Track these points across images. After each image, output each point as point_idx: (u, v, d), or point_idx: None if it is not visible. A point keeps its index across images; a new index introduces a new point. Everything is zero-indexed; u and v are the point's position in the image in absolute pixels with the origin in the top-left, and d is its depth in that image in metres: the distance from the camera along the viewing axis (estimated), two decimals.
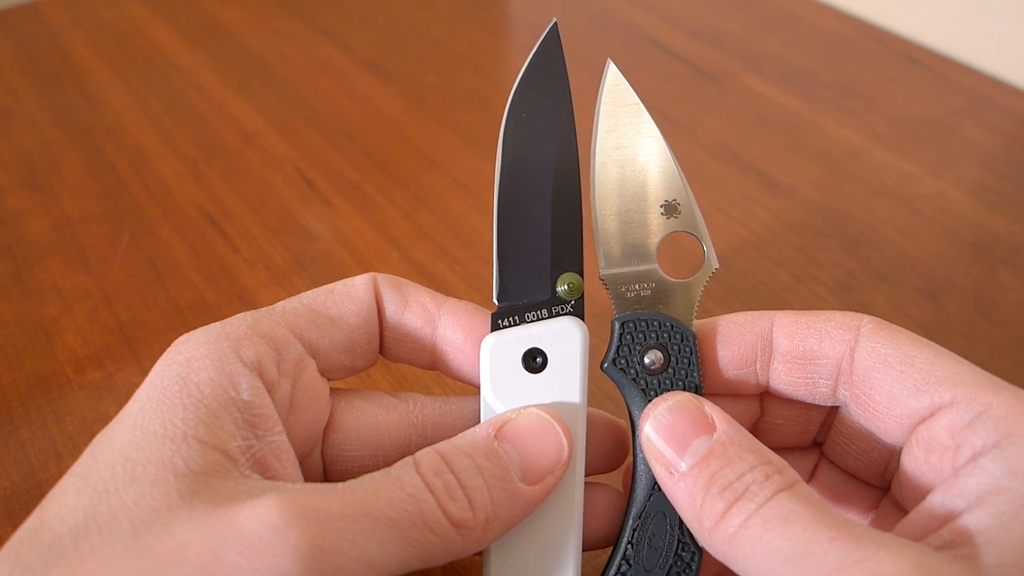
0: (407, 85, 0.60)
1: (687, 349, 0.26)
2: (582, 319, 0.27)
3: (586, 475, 0.26)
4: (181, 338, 0.24)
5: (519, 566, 0.26)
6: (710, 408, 0.24)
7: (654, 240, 0.27)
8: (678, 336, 0.26)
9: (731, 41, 0.64)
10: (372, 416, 0.27)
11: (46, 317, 0.43)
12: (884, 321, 0.25)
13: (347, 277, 0.28)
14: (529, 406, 0.26)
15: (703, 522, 0.22)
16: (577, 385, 0.26)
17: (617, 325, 0.26)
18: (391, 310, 0.27)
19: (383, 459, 0.27)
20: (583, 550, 0.26)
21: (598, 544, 0.27)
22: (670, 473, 0.23)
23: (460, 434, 0.25)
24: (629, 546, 0.25)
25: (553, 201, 0.27)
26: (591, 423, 0.27)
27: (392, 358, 0.28)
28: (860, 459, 0.27)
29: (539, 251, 0.27)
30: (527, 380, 0.26)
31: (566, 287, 0.27)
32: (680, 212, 0.27)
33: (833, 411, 0.28)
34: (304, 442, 0.25)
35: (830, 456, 0.28)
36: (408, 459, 0.23)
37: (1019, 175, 0.51)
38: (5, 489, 0.35)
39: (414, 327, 0.27)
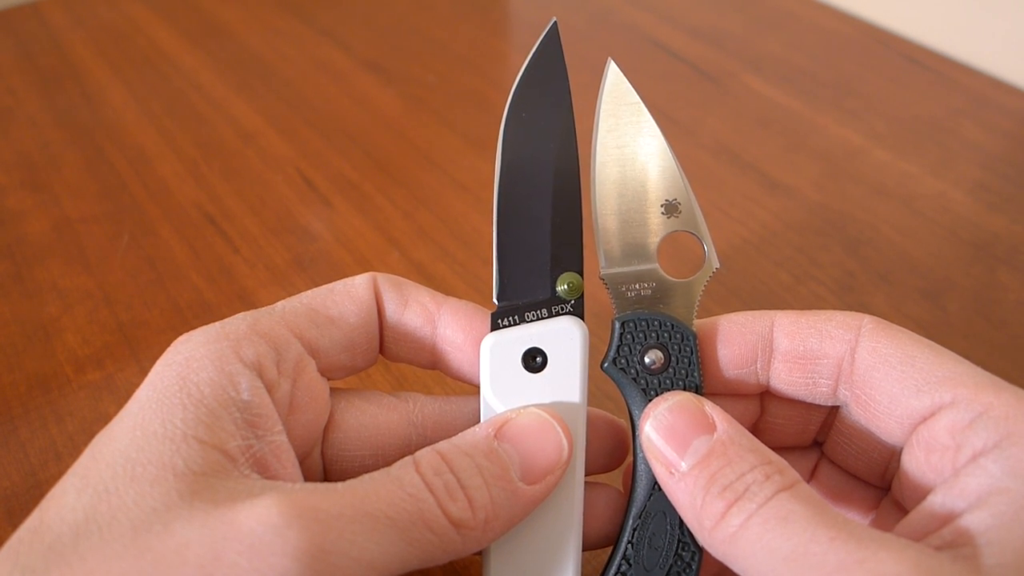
0: (407, 85, 0.60)
1: (687, 349, 0.26)
2: (582, 319, 0.27)
3: (586, 475, 0.26)
4: (181, 338, 0.24)
5: (519, 566, 0.26)
6: (710, 408, 0.24)
7: (654, 240, 0.27)
8: (678, 336, 0.26)
9: (731, 41, 0.64)
10: (372, 416, 0.27)
11: (46, 317, 0.43)
12: (885, 321, 0.25)
13: (347, 277, 0.28)
14: (529, 406, 0.26)
15: (703, 522, 0.22)
16: (577, 385, 0.26)
17: (617, 325, 0.26)
18: (391, 310, 0.27)
19: (383, 459, 0.27)
20: (583, 550, 0.26)
21: (598, 544, 0.27)
22: (670, 473, 0.23)
23: (460, 434, 0.25)
24: (629, 546, 0.25)
25: (553, 201, 0.27)
26: (591, 423, 0.27)
27: (392, 358, 0.28)
28: (860, 459, 0.27)
29: (539, 251, 0.27)
30: (527, 380, 0.26)
31: (566, 287, 0.27)
32: (680, 211, 0.27)
33: (833, 411, 0.28)
34: (304, 442, 0.25)
35: (830, 456, 0.28)
36: (408, 459, 0.23)
37: (1019, 175, 0.51)
38: (5, 489, 0.35)
39: (414, 327, 0.27)
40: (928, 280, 0.44)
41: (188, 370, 0.23)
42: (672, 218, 0.27)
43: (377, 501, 0.21)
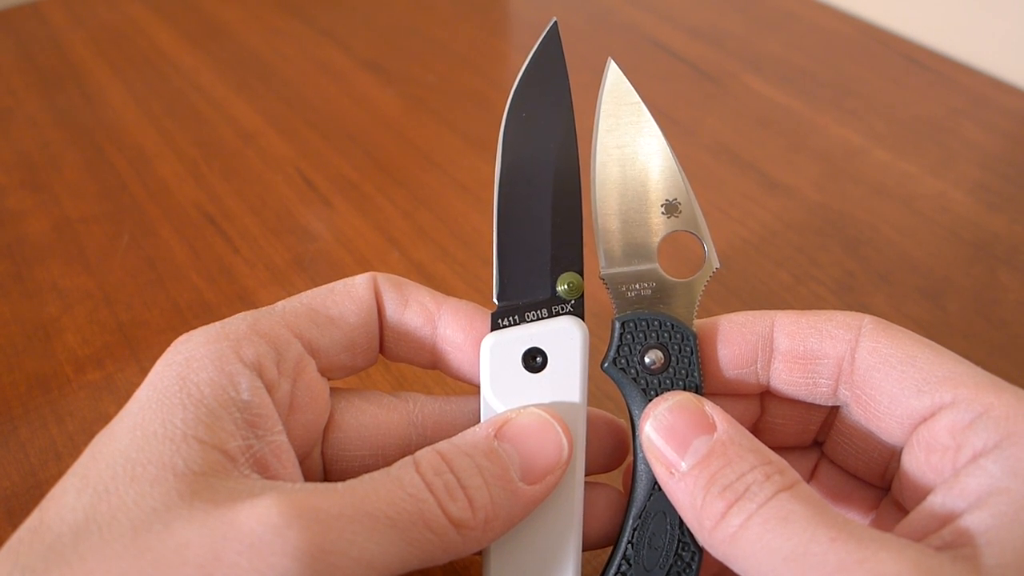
0: (407, 85, 0.60)
1: (687, 349, 0.26)
2: (582, 319, 0.27)
3: (586, 475, 0.26)
4: (181, 338, 0.24)
5: (519, 566, 0.26)
6: (711, 408, 0.24)
7: (655, 239, 0.27)
8: (679, 336, 0.26)
9: (731, 41, 0.64)
10: (372, 416, 0.27)
11: (46, 317, 0.43)
12: (885, 321, 0.25)
13: (347, 277, 0.28)
14: (529, 406, 0.26)
15: (703, 522, 0.22)
16: (577, 385, 0.26)
17: (617, 325, 0.26)
18: (391, 309, 0.27)
19: (383, 459, 0.27)
20: (583, 550, 0.26)
21: (598, 544, 0.27)
22: (670, 473, 0.23)
23: (460, 434, 0.25)
24: (629, 546, 0.25)
25: (553, 201, 0.27)
26: (591, 423, 0.27)
27: (392, 357, 0.28)
28: (860, 459, 0.27)
29: (539, 251, 0.27)
30: (527, 380, 0.26)
31: (566, 287, 0.27)
32: (681, 211, 0.27)
33: (833, 411, 0.28)
34: (304, 442, 0.25)
35: (830, 456, 0.28)
36: (408, 459, 0.23)
37: (1019, 175, 0.51)
38: (5, 489, 0.35)
39: (414, 326, 0.27)
40: (928, 280, 0.44)
41: (188, 370, 0.23)
42: (672, 218, 0.27)
43: (377, 501, 0.21)
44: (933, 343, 0.24)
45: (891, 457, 0.26)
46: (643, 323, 0.26)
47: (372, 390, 0.28)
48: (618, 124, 0.27)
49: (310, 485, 0.22)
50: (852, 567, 0.19)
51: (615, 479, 0.29)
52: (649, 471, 0.25)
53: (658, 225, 0.27)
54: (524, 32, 0.68)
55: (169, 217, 0.49)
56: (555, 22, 0.27)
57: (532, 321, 0.26)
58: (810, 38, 0.64)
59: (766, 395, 0.28)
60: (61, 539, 0.20)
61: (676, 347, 0.26)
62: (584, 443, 0.26)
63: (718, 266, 0.27)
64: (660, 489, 0.25)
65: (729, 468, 0.22)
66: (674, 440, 0.24)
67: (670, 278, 0.26)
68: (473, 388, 0.27)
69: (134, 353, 0.41)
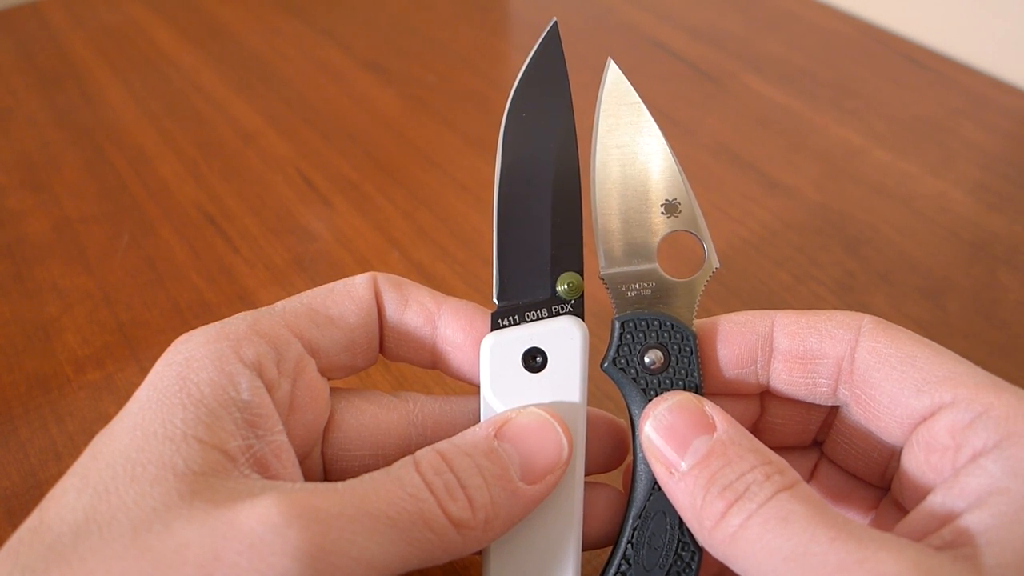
0: (407, 85, 0.60)
1: (687, 349, 0.26)
2: (582, 319, 0.27)
3: (586, 475, 0.26)
4: (181, 338, 0.24)
5: (519, 566, 0.26)
6: (710, 408, 0.24)
7: (655, 239, 0.27)
8: (678, 336, 0.26)
9: (731, 41, 0.64)
10: (372, 416, 0.27)
11: (46, 317, 0.43)
12: (885, 321, 0.25)
13: (347, 277, 0.28)
14: (529, 405, 0.26)
15: (703, 522, 0.22)
16: (577, 385, 0.26)
17: (617, 324, 0.26)
18: (391, 309, 0.27)
19: (383, 459, 0.27)
20: (583, 550, 0.26)
21: (598, 544, 0.27)
22: (670, 473, 0.23)
23: (460, 433, 0.25)
24: (629, 546, 0.25)
25: (553, 201, 0.27)
26: (591, 423, 0.27)
27: (392, 357, 0.28)
28: (860, 459, 0.27)
29: (539, 251, 0.27)
30: (527, 379, 0.26)
31: (566, 287, 0.27)
32: (681, 211, 0.27)
33: (833, 411, 0.28)
34: (304, 442, 0.25)
35: (830, 456, 0.28)
36: (408, 458, 0.23)
37: (1019, 175, 0.51)
38: (5, 489, 0.35)
39: (414, 326, 0.27)
40: (928, 280, 0.44)
41: (188, 370, 0.23)
42: (672, 218, 0.27)
43: (377, 501, 0.21)
44: (933, 343, 0.24)
45: (891, 457, 0.26)
46: (643, 323, 0.26)
47: (372, 390, 0.28)
48: (618, 124, 0.27)
49: (310, 485, 0.22)
50: (852, 567, 0.19)
51: (615, 479, 0.29)
52: (649, 471, 0.25)
53: (658, 225, 0.27)
54: (524, 32, 0.68)
55: (169, 217, 0.49)
56: (555, 22, 0.27)
57: (532, 321, 0.26)
58: (810, 38, 0.64)
59: (766, 395, 0.28)
60: (61, 539, 0.20)
61: (676, 347, 0.26)
62: (584, 443, 0.26)
63: (718, 266, 0.27)
64: (660, 489, 0.25)
65: (729, 468, 0.22)
66: (674, 440, 0.24)
67: (670, 278, 0.26)
68: (473, 388, 0.27)
69: (134, 353, 0.41)
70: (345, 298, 0.27)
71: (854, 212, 0.48)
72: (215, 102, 0.59)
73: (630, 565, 0.25)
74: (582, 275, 0.27)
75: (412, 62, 0.63)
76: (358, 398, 0.27)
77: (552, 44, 0.27)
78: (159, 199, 0.50)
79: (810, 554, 0.20)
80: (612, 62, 0.27)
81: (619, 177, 0.27)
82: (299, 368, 0.25)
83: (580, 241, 0.27)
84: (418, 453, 0.24)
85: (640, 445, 0.25)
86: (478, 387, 0.26)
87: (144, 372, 0.29)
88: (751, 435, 0.24)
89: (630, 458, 0.26)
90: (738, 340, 0.26)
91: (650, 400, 0.25)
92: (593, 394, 0.34)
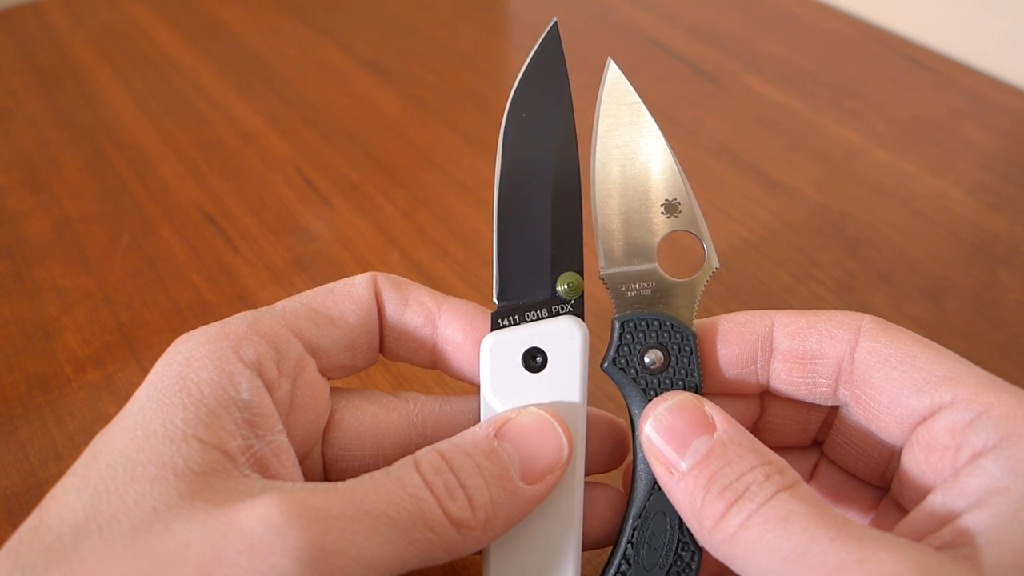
0: (407, 85, 0.60)
1: (687, 349, 0.26)
2: (582, 318, 0.27)
3: (586, 475, 0.26)
4: (181, 338, 0.24)
5: (519, 566, 0.26)
6: (710, 408, 0.24)
7: (655, 239, 0.27)
8: (678, 336, 0.26)
9: (731, 41, 0.64)
10: (372, 416, 0.27)
11: (46, 317, 0.43)
12: (885, 321, 0.25)
13: (347, 277, 0.28)
14: (529, 405, 0.26)
15: (703, 522, 0.22)
16: (577, 385, 0.26)
17: (617, 324, 0.26)
18: (391, 309, 0.27)
19: (383, 459, 0.27)
20: (583, 550, 0.26)
21: (598, 544, 0.27)
22: (670, 473, 0.23)
23: (460, 433, 0.25)
24: (629, 546, 0.25)
25: (553, 201, 0.27)
26: (591, 423, 0.27)
27: (392, 357, 0.28)
28: (860, 459, 0.27)
29: (539, 251, 0.27)
30: (527, 379, 0.26)
31: (566, 287, 0.27)
32: (681, 211, 0.27)
33: (833, 411, 0.28)
34: (304, 442, 0.25)
35: (830, 456, 0.28)
36: (408, 458, 0.23)
37: (1019, 175, 0.51)
38: (5, 489, 0.35)
39: (414, 326, 0.27)
40: (928, 280, 0.44)
41: (188, 370, 0.23)
42: (672, 218, 0.27)
43: (377, 501, 0.21)
44: (933, 343, 0.24)
45: (891, 457, 0.26)
46: (643, 323, 0.26)
47: (372, 390, 0.28)
48: (618, 124, 0.27)
49: (310, 485, 0.22)
50: (852, 567, 0.19)
51: (615, 479, 0.29)
52: (649, 471, 0.25)
53: (658, 225, 0.27)
54: (524, 32, 0.68)
55: (169, 217, 0.49)
56: (555, 22, 0.27)
57: (532, 321, 0.26)
58: (810, 38, 0.64)
59: (766, 395, 0.28)
60: (61, 539, 0.20)
61: (676, 347, 0.26)
62: (584, 443, 0.26)
63: (718, 266, 0.27)
64: (660, 489, 0.25)
65: (729, 468, 0.22)
66: (674, 440, 0.24)
67: (670, 278, 0.26)
68: (473, 388, 0.27)
69: (134, 353, 0.41)
70: (345, 298, 0.27)
71: (854, 212, 0.48)
72: (215, 102, 0.59)
73: (630, 565, 0.25)
74: (582, 275, 0.27)
75: (412, 62, 0.63)
76: (358, 398, 0.27)
77: (552, 44, 0.27)
78: (159, 199, 0.50)
79: (810, 554, 0.20)
80: (612, 62, 0.27)
81: (619, 177, 0.27)
82: (299, 368, 0.25)
83: (580, 241, 0.27)
84: (418, 453, 0.24)
85: (640, 445, 0.25)
86: (478, 387, 0.26)
87: (144, 372, 0.29)
88: (751, 435, 0.24)
89: (630, 458, 0.26)
90: (738, 340, 0.26)
91: (650, 400, 0.25)
92: (593, 394, 0.34)
